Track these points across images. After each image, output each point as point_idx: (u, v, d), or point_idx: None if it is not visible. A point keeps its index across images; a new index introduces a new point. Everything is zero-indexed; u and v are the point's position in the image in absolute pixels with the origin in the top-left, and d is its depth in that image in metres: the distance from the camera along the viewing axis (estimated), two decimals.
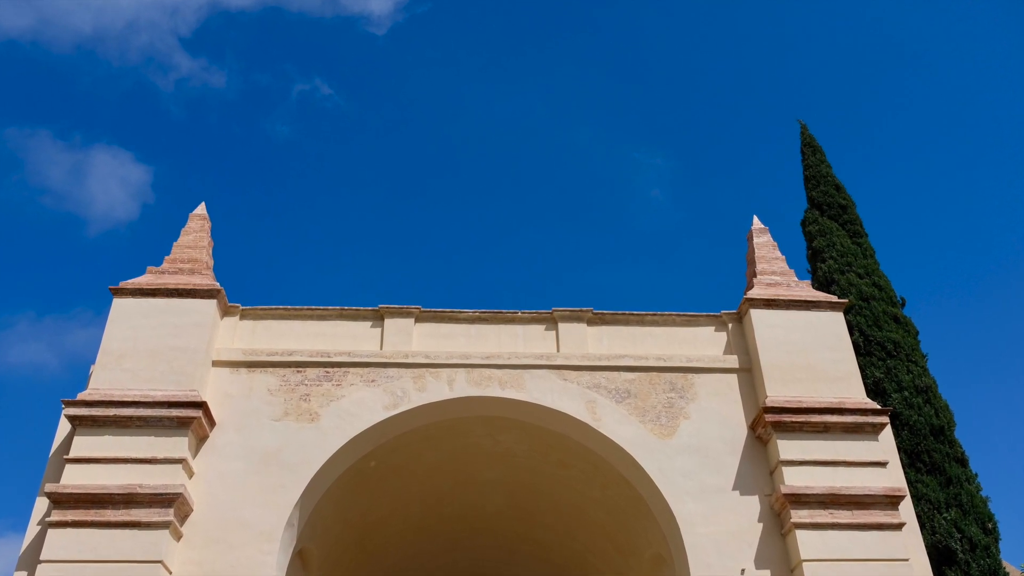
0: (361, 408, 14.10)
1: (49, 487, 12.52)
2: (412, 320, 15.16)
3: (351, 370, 14.54)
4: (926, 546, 14.72)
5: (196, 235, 15.89)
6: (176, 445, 13.09)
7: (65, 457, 12.94)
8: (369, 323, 15.22)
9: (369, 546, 16.19)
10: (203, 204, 16.47)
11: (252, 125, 51.28)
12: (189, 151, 49.56)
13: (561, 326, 15.25)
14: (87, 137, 51.00)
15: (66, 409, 13.22)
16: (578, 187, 51.04)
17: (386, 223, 50.27)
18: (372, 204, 50.79)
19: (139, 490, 12.49)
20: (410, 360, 14.59)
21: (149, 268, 15.23)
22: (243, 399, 14.15)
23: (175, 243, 15.76)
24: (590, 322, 15.40)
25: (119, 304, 14.50)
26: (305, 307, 15.23)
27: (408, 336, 14.98)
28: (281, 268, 48.42)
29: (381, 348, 14.82)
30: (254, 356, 14.56)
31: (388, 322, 15.10)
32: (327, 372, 14.51)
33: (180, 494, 12.50)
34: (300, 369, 14.52)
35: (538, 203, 50.62)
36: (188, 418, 13.18)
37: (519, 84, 52.46)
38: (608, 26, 50.81)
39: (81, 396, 13.34)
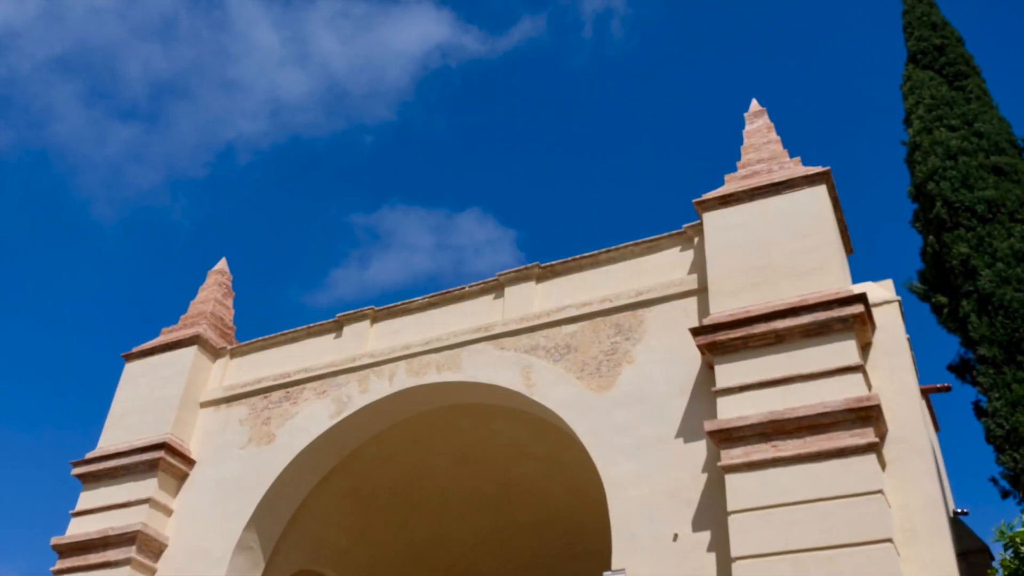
0: (310, 421, 14.75)
1: (53, 540, 15.06)
2: (368, 322, 15.52)
3: (307, 385, 15.29)
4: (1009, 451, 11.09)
5: (209, 290, 18.00)
6: (147, 486, 14.90)
7: (71, 512, 15.47)
8: (332, 335, 15.89)
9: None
10: (224, 260, 18.63)
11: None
12: None
13: (508, 290, 14.52)
14: None
15: (74, 469, 15.82)
16: (582, 179, 47.22)
17: (376, 218, 50.41)
18: (362, 198, 51.47)
19: (110, 532, 14.48)
20: (357, 363, 14.94)
21: (163, 329, 17.60)
22: (219, 434, 15.61)
23: (191, 301, 18.04)
24: (539, 278, 14.45)
25: (129, 368, 16.95)
26: (278, 333, 16.39)
27: (363, 339, 15.36)
28: (281, 293, 49.97)
29: (338, 358, 15.38)
30: (231, 391, 16.00)
31: (346, 329, 15.63)
32: (287, 392, 15.43)
33: (139, 531, 14.22)
34: (266, 395, 15.62)
35: (540, 197, 47.50)
36: (155, 459, 14.97)
37: (520, 72, 50.03)
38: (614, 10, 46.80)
39: (88, 456, 15.87)
